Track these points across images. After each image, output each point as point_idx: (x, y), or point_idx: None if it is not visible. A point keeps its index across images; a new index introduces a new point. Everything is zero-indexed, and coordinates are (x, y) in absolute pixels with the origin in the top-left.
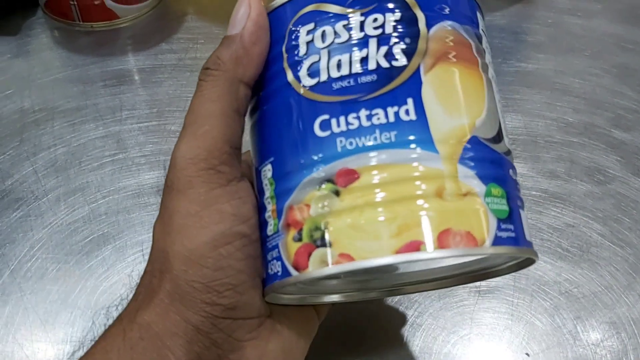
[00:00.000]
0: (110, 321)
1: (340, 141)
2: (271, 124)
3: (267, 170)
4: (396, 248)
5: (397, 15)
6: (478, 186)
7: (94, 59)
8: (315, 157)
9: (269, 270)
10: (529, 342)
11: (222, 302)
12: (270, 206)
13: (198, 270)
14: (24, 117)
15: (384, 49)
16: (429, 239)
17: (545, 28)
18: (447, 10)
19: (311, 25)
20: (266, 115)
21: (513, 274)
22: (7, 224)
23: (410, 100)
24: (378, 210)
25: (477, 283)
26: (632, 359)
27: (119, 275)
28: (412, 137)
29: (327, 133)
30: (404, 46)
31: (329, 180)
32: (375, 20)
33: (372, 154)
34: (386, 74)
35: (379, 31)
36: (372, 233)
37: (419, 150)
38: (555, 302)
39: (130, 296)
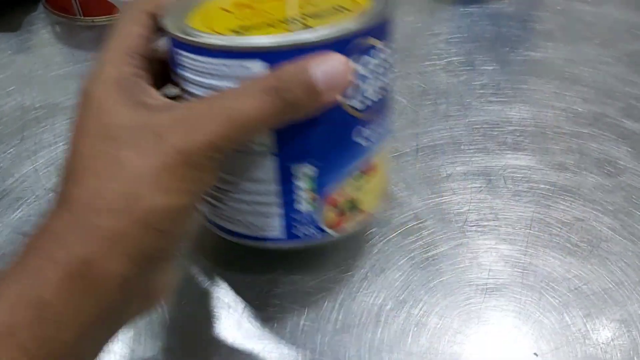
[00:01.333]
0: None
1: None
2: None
3: (307, 170)
4: None
5: None
6: None
7: (95, 54)
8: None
9: (302, 233)
10: (538, 342)
11: None
12: (307, 194)
13: None
14: (24, 115)
15: None
16: None
17: (554, 15)
18: None
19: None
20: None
21: (521, 271)
22: (8, 224)
23: None
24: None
25: (484, 280)
26: None
27: None
28: None
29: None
30: None
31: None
32: None
33: None
34: None
35: None
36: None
37: None
38: (565, 299)
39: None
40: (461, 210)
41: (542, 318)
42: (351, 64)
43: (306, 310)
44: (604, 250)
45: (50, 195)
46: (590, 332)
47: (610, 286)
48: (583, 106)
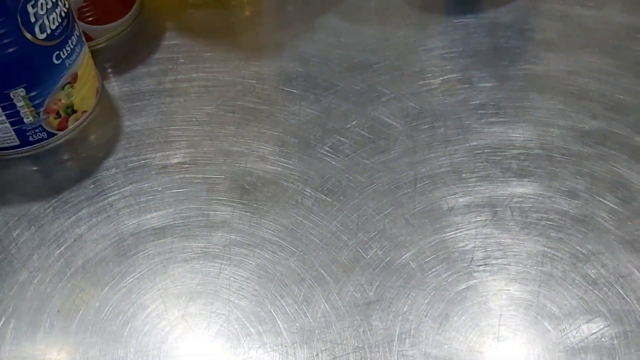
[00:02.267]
0: None
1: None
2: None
3: (21, 92)
4: None
5: None
6: None
7: None
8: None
9: (33, 138)
10: None
11: None
12: (27, 109)
13: None
14: None
15: None
16: None
17: (554, 23)
18: None
19: None
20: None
21: (535, 315)
22: None
23: None
24: None
25: (496, 328)
26: None
27: (101, 341)
28: None
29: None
30: None
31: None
32: None
33: None
34: None
35: None
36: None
37: None
38: (584, 345)
39: None
40: (466, 248)
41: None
42: None
43: None
44: (624, 287)
45: (22, 250)
46: None
47: (633, 328)
48: (590, 123)
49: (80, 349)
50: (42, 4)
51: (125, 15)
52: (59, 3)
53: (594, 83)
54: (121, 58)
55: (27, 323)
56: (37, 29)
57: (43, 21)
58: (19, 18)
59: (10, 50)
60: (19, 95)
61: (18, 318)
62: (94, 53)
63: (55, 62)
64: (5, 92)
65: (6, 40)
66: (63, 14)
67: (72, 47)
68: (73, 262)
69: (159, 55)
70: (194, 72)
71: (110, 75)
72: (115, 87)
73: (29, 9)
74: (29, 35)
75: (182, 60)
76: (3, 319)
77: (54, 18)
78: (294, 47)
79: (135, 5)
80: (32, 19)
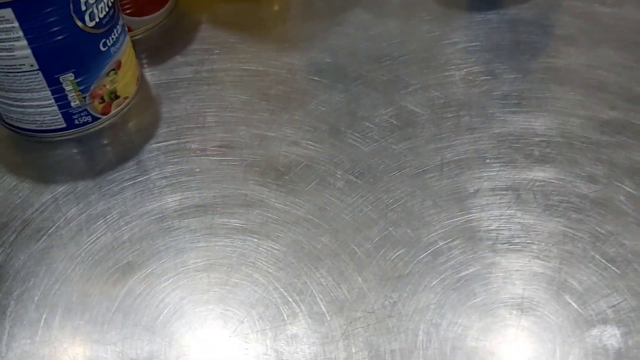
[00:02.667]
0: None
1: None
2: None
3: (69, 77)
4: None
5: None
6: None
7: None
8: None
9: (80, 122)
10: None
11: None
12: (74, 93)
13: None
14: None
15: None
16: None
17: (574, 19)
18: None
19: None
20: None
21: (556, 289)
22: (31, 256)
23: None
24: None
25: (519, 300)
26: None
27: (147, 308)
28: None
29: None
30: None
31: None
32: None
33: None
34: None
35: None
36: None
37: None
38: (603, 317)
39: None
40: (491, 228)
41: (580, 337)
42: None
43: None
44: None
45: (71, 224)
46: (632, 349)
47: None
48: (609, 114)
49: (131, 315)
50: None
51: (161, 8)
52: None
53: (613, 76)
54: (158, 49)
55: (77, 290)
56: (87, 17)
57: (92, 10)
58: (71, 6)
59: (62, 37)
60: (67, 80)
61: (68, 285)
62: (133, 44)
63: (102, 49)
64: (56, 76)
65: (58, 27)
66: (110, 4)
67: (117, 35)
68: (120, 236)
69: (194, 46)
70: (229, 62)
71: (148, 65)
72: (154, 76)
73: None
74: (79, 23)
75: (217, 51)
76: (56, 287)
77: (102, 7)
78: (322, 39)
79: (171, 0)
80: (83, 8)
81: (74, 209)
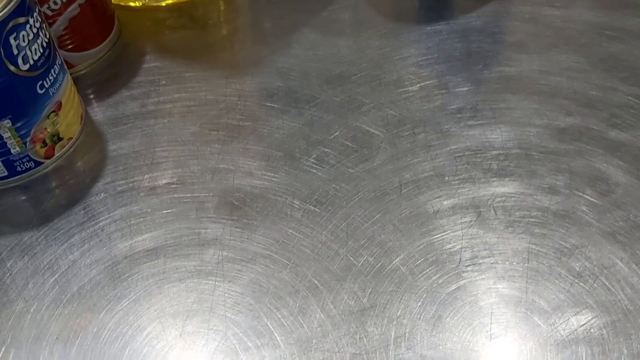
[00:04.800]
0: None
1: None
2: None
3: (7, 124)
4: None
5: None
6: None
7: None
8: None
9: (21, 168)
10: None
11: None
12: (14, 140)
13: None
14: None
15: None
16: None
17: (524, 25)
18: None
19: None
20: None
21: (524, 311)
22: None
23: None
24: None
25: (488, 326)
26: None
27: None
28: None
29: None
30: None
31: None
32: None
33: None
34: None
35: None
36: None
37: None
38: (575, 336)
39: None
40: (454, 250)
41: None
42: None
43: None
44: (608, 278)
45: (16, 280)
46: None
47: (620, 317)
48: (565, 120)
49: None
50: (24, 35)
51: (104, 41)
52: (40, 33)
53: (566, 81)
54: (103, 83)
55: (26, 352)
56: (20, 61)
57: (25, 52)
58: (1, 51)
59: None
60: (5, 127)
61: (17, 347)
62: (75, 80)
63: (39, 91)
64: None
65: None
66: (45, 44)
67: (55, 75)
68: (68, 289)
69: (140, 78)
70: (176, 93)
71: (93, 101)
72: (99, 112)
73: (12, 41)
74: (12, 68)
75: (163, 82)
76: (2, 349)
77: (35, 49)
78: (272, 62)
79: (114, 31)
80: (15, 51)
81: (20, 263)
